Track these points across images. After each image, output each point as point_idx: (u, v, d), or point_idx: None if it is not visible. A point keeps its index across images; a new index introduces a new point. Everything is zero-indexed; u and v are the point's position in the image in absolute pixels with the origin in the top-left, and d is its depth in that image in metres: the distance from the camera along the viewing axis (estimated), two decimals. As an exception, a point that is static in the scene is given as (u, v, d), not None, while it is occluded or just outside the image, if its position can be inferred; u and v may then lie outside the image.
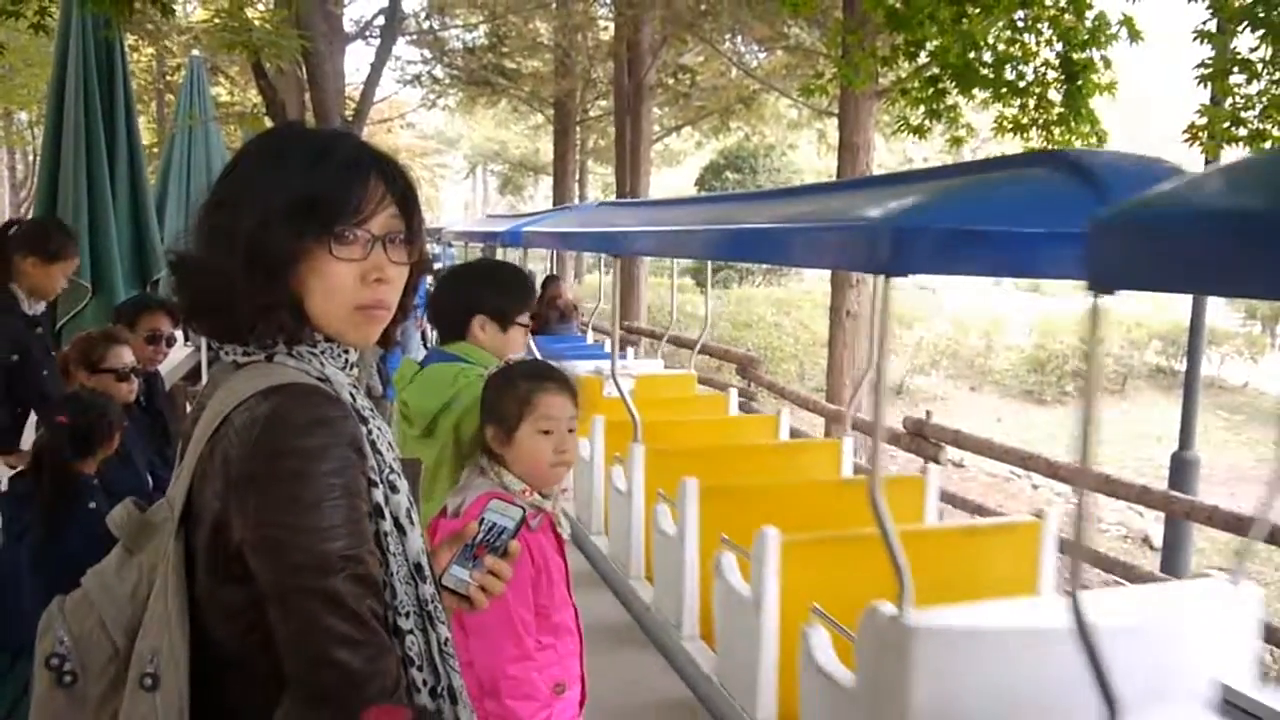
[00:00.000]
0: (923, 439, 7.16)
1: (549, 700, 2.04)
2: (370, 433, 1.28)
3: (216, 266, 1.25)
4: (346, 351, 1.33)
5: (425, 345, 10.35)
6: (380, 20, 7.46)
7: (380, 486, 1.27)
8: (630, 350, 10.29)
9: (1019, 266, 2.57)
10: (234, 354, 1.30)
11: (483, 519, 1.52)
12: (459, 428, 2.46)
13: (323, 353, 1.30)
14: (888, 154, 21.95)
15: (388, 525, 1.26)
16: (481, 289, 2.74)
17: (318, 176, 1.27)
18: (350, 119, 5.91)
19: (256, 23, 5.49)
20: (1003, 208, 2.48)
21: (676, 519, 4.29)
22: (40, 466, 2.80)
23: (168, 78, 17.50)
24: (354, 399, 1.30)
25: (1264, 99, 5.32)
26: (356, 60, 23.78)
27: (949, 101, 6.79)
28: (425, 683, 1.28)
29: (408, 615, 1.27)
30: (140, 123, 7.32)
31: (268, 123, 6.57)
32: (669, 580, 4.36)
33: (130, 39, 15.57)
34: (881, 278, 2.66)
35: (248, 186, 1.28)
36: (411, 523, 1.31)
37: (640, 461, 4.93)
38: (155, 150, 13.58)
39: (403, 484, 1.32)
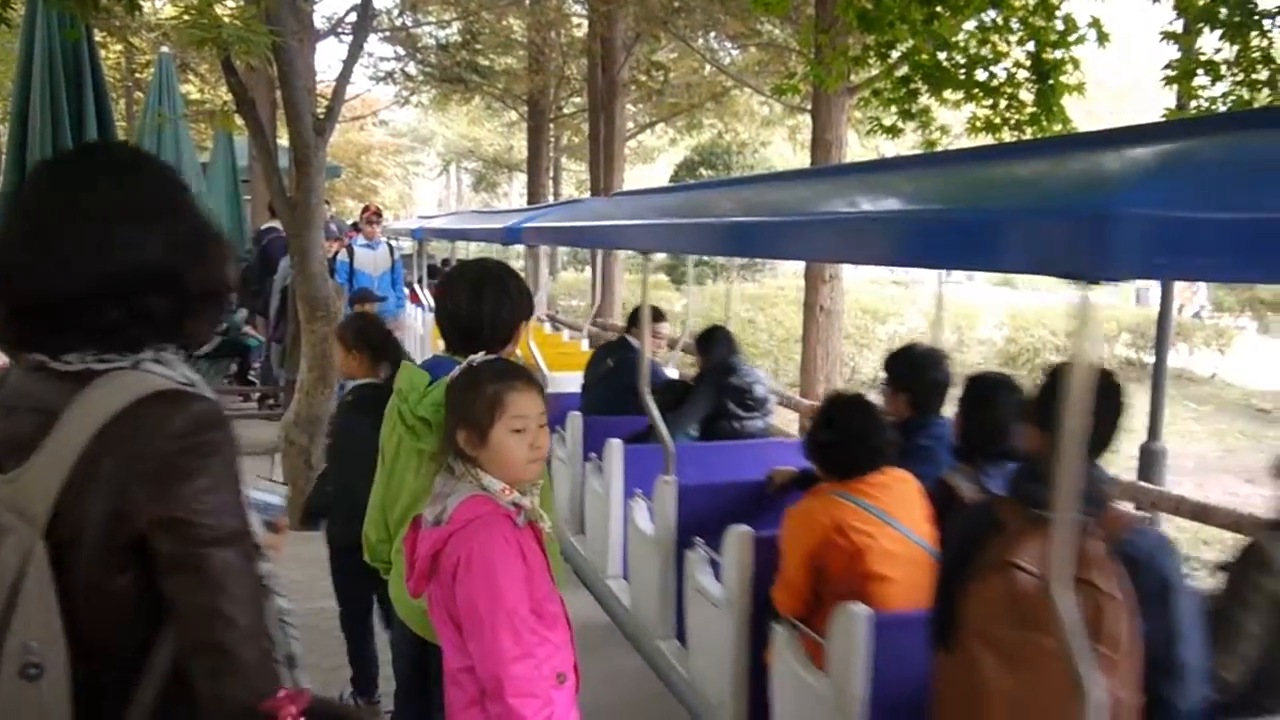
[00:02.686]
0: (896, 434, 7.18)
1: (551, 696, 2.04)
2: None
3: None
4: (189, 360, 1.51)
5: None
6: (352, 17, 7.44)
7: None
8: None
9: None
10: (79, 362, 1.38)
11: (249, 497, 1.62)
12: None
13: (181, 358, 1.47)
14: (861, 150, 22.03)
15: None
16: (521, 294, 2.62)
17: None
18: (322, 116, 5.86)
19: (226, 19, 5.45)
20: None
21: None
22: None
23: (136, 74, 17.32)
24: None
25: (1228, 100, 5.39)
26: (328, 57, 23.83)
27: (921, 103, 6.84)
28: (268, 650, 1.45)
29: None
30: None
31: (238, 121, 6.52)
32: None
33: (98, 36, 15.42)
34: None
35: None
36: (251, 508, 1.50)
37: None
38: (124, 148, 13.39)
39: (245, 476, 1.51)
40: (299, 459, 6.07)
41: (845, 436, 3.10)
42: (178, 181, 1.51)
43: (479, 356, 2.26)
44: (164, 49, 9.11)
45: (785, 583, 3.13)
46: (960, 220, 2.10)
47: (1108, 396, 2.18)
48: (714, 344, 5.27)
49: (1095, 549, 2.10)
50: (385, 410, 2.56)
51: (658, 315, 5.81)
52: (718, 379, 5.06)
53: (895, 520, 3.00)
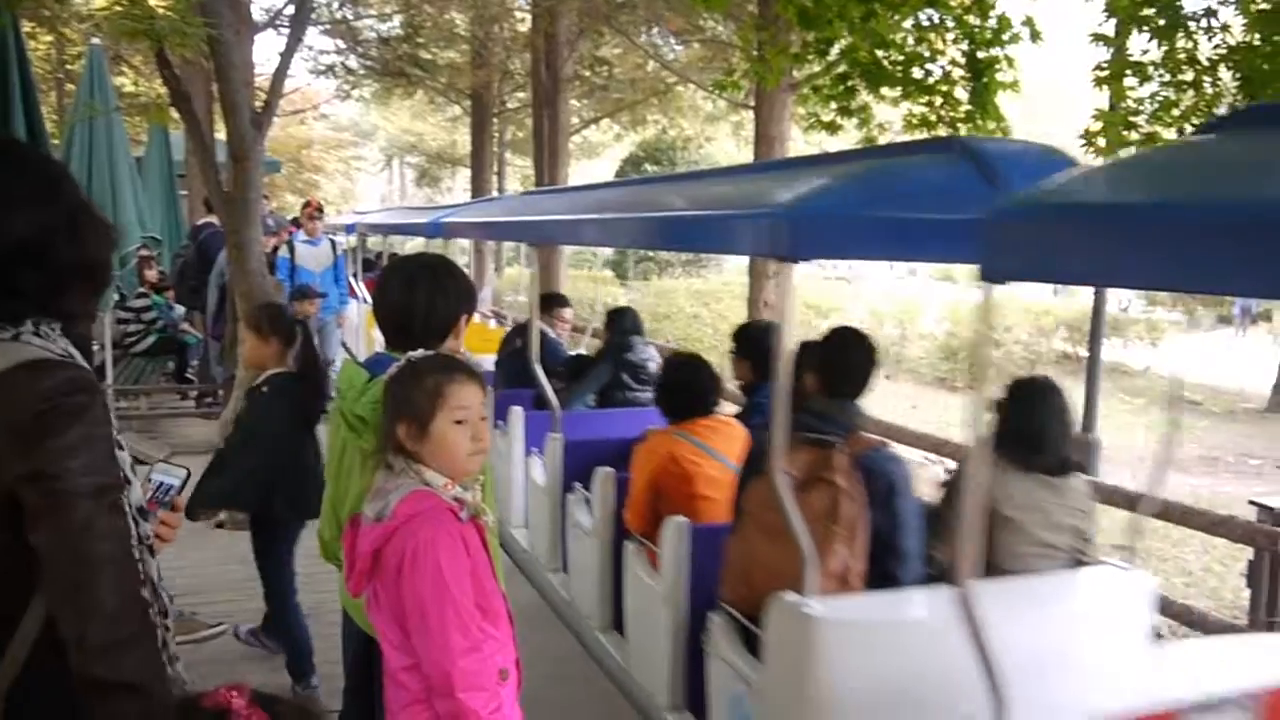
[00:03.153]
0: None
1: (498, 691, 2.03)
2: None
3: None
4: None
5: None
6: (290, 9, 7.33)
7: (114, 445, 1.57)
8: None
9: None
10: None
11: (150, 478, 1.79)
12: None
13: (59, 333, 1.57)
14: (805, 146, 22.21)
15: (123, 475, 1.59)
16: (460, 287, 2.60)
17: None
18: (260, 110, 5.78)
19: (160, 10, 5.35)
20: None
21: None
22: None
23: (68, 66, 16.90)
24: None
25: (1155, 101, 5.51)
26: (267, 50, 23.28)
27: (860, 100, 6.93)
28: (151, 603, 1.55)
29: (136, 546, 1.56)
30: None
31: (173, 114, 6.40)
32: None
33: (26, 26, 15.01)
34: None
35: None
36: (134, 474, 1.65)
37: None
38: (55, 142, 13.12)
39: (125, 442, 1.64)
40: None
41: (679, 387, 3.96)
42: (55, 169, 1.63)
43: (418, 353, 2.24)
44: (95, 40, 8.88)
45: (632, 502, 3.95)
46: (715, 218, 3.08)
47: (859, 351, 3.23)
48: (619, 323, 5.86)
49: (840, 460, 2.90)
50: (297, 399, 2.61)
51: (562, 302, 6.69)
52: (616, 355, 5.65)
53: (718, 453, 3.79)
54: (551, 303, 6.52)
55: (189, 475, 1.84)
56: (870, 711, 2.57)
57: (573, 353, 6.63)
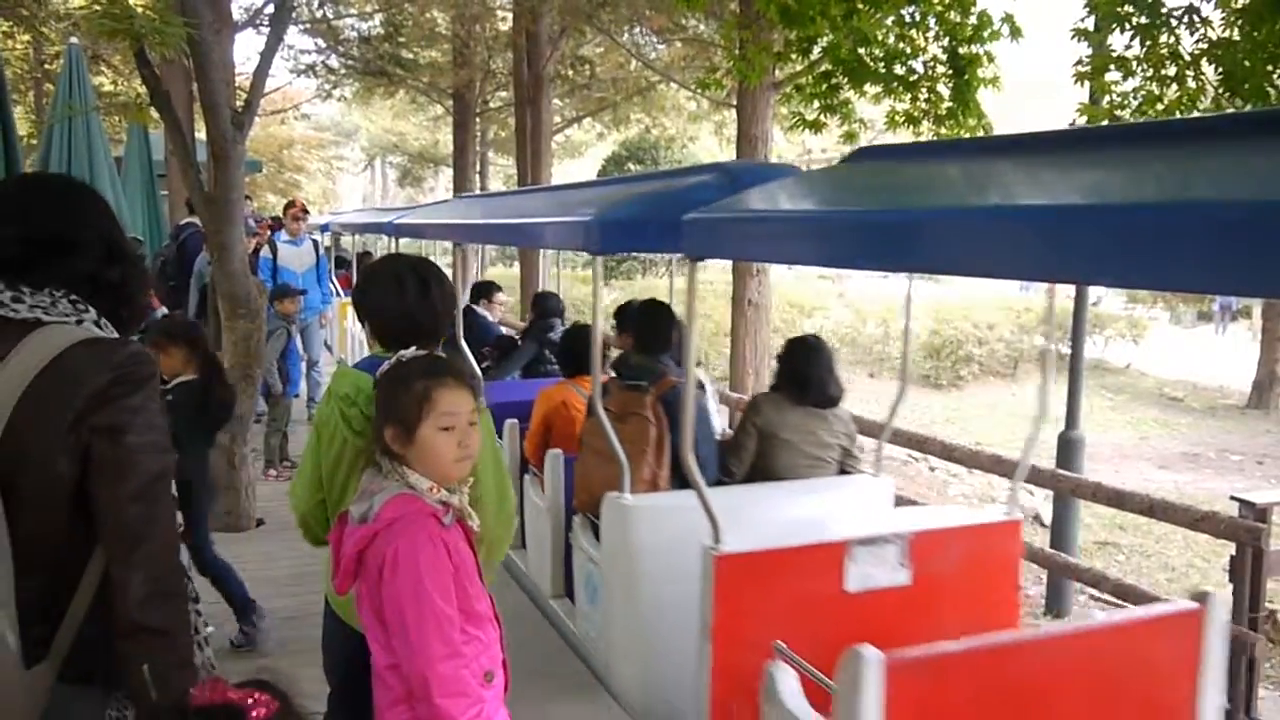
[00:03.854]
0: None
1: (480, 696, 2.02)
2: None
3: None
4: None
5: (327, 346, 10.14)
6: (270, 8, 7.29)
7: None
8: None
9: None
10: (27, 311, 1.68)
11: None
12: None
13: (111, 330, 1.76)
14: (786, 145, 22.25)
15: None
16: (443, 290, 2.58)
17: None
18: (240, 110, 5.73)
19: (139, 9, 5.29)
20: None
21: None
22: None
23: (45, 66, 16.76)
24: None
25: (1138, 95, 5.55)
26: (247, 49, 23.05)
27: (842, 97, 6.94)
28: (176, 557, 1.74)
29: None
30: (17, 113, 7.01)
31: (153, 114, 6.35)
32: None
33: (3, 25, 14.87)
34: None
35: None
36: None
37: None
38: (34, 142, 13.01)
39: None
40: (221, 458, 5.94)
41: (571, 350, 5.10)
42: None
43: (409, 352, 2.22)
44: (73, 40, 8.81)
45: (530, 436, 5.11)
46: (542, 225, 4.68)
47: (662, 316, 4.56)
48: (542, 306, 6.79)
49: (650, 399, 4.07)
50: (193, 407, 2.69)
51: (496, 288, 7.58)
52: (539, 335, 6.48)
53: None
54: (488, 289, 7.47)
55: None
56: (670, 570, 3.57)
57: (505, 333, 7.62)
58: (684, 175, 4.25)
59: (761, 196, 3.18)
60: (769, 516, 3.75)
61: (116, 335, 1.76)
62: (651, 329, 4.45)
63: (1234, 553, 5.02)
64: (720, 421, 5.96)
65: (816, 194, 3.20)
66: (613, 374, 4.43)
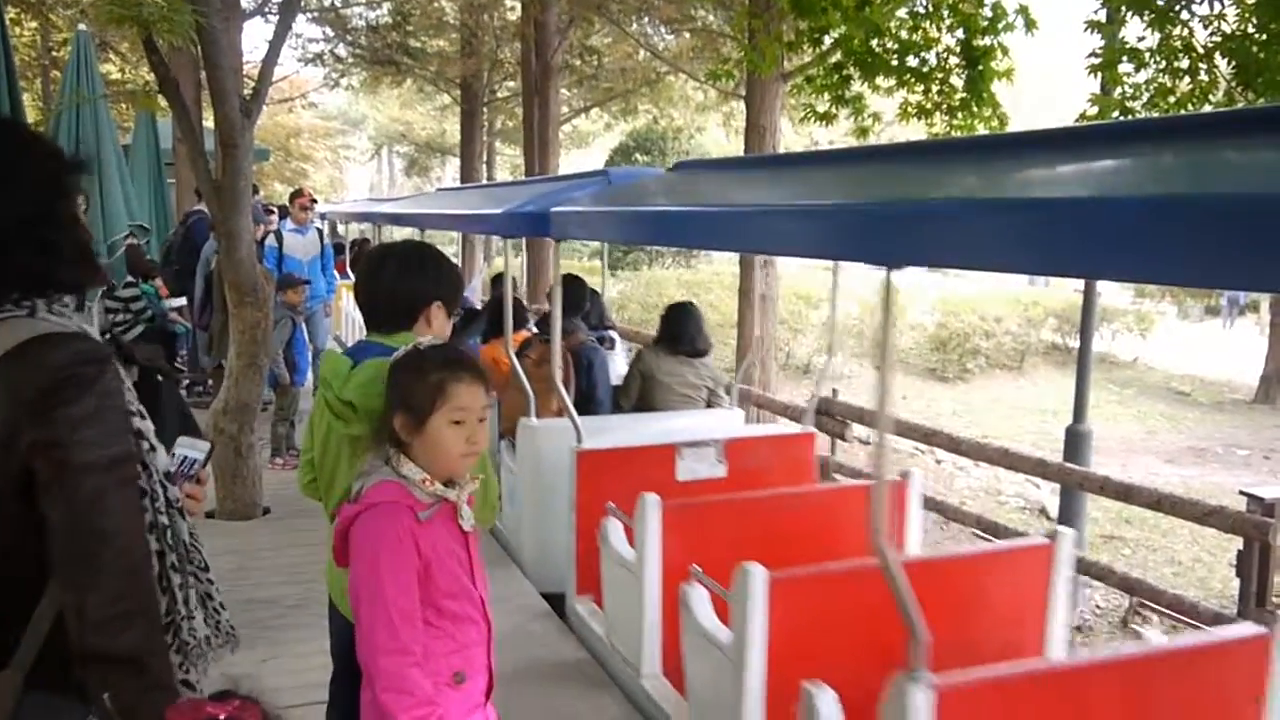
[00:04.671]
0: (829, 417, 7.30)
1: (428, 698, 1.97)
2: (119, 374, 1.61)
3: None
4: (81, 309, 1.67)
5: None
6: (279, -4, 7.28)
7: (136, 415, 1.63)
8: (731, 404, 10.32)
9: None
10: None
11: (174, 453, 1.83)
12: None
13: (74, 309, 1.63)
14: (794, 136, 22.18)
15: (147, 444, 1.65)
16: (437, 273, 2.63)
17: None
18: (248, 98, 5.73)
19: (147, -3, 5.29)
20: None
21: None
22: None
23: (53, 53, 16.75)
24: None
25: (1150, 87, 5.52)
26: (255, 38, 22.88)
27: (854, 89, 6.91)
28: (178, 563, 1.66)
29: (163, 513, 1.65)
30: (25, 100, 6.99)
31: (161, 102, 6.34)
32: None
33: (11, 12, 14.85)
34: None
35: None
36: (159, 442, 1.71)
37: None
38: (42, 129, 13.00)
39: (146, 412, 1.68)
40: (229, 447, 5.95)
41: (493, 318, 6.08)
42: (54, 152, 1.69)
43: (426, 340, 2.21)
44: (81, 26, 8.79)
45: None
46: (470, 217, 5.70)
47: (577, 287, 6.43)
48: (498, 285, 7.33)
49: (564, 352, 5.18)
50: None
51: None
52: (493, 309, 6.80)
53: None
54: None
55: (213, 448, 1.90)
56: (559, 473, 4.62)
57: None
58: (571, 179, 5.84)
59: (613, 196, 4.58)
60: (638, 433, 4.93)
61: (69, 322, 1.59)
62: (567, 297, 5.40)
63: (1241, 547, 5.01)
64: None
65: (641, 194, 4.37)
66: (535, 331, 5.82)
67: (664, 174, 4.84)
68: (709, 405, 5.59)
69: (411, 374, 2.11)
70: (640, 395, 5.56)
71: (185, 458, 1.86)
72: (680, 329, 5.61)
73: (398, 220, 9.29)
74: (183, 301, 9.00)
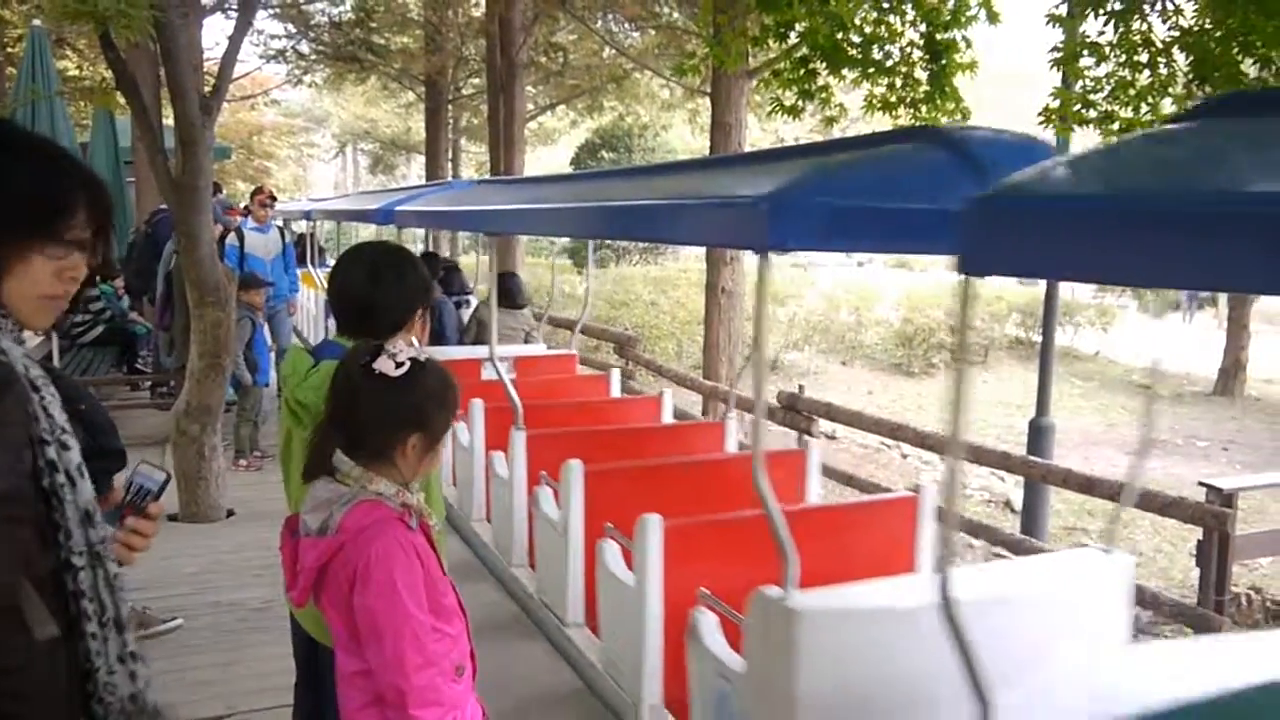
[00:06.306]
0: (796, 412, 7.33)
1: (453, 700, 1.97)
2: (42, 399, 1.46)
3: None
4: (16, 328, 1.50)
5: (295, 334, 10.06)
6: (239, -8, 7.16)
7: (52, 445, 1.46)
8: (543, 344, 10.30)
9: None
10: None
11: (130, 482, 1.69)
12: None
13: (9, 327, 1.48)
14: (760, 133, 22.26)
15: (61, 478, 1.46)
16: (420, 279, 2.57)
17: (40, 182, 1.48)
18: (208, 95, 5.65)
19: (104, -8, 5.19)
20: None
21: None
22: None
23: (8, 49, 16.46)
24: (27, 370, 1.47)
25: (1111, 81, 5.57)
26: (215, 33, 22.53)
27: (820, 82, 6.92)
28: (94, 612, 1.48)
29: (80, 554, 1.47)
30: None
31: (119, 98, 6.25)
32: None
33: (-36, 8, 14.57)
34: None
35: None
36: (81, 475, 1.50)
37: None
38: (-4, 127, 12.74)
39: (74, 442, 1.50)
40: (191, 449, 5.88)
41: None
42: None
43: (424, 353, 2.09)
44: (36, 22, 8.66)
45: None
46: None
47: (429, 263, 7.18)
48: (445, 280, 8.47)
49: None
50: None
51: None
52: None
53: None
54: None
55: (168, 479, 1.74)
56: None
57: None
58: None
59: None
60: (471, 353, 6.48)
61: None
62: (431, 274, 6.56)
63: (1201, 537, 5.08)
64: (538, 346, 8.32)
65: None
66: None
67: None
68: (526, 341, 7.93)
69: (441, 397, 2.04)
70: (477, 335, 7.77)
71: (139, 487, 1.71)
72: (506, 289, 7.68)
73: (331, 216, 11.23)
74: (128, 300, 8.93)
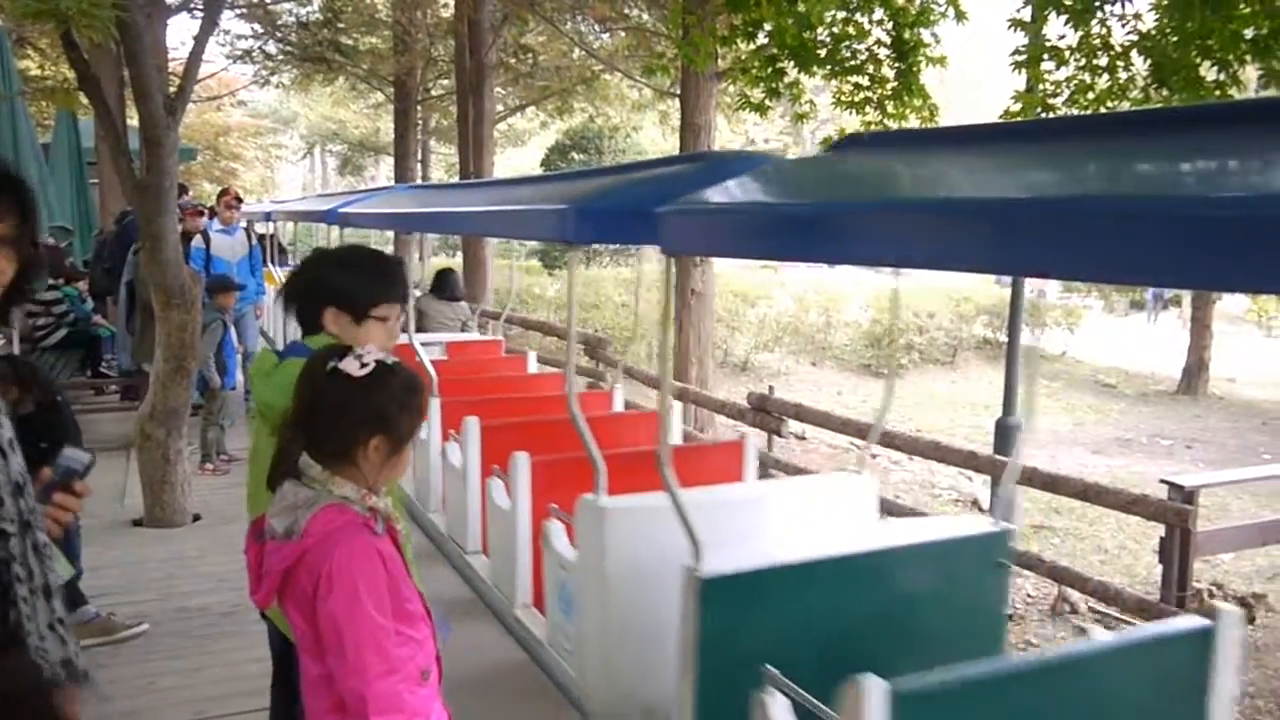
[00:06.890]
0: (766, 413, 7.36)
1: (415, 708, 1.95)
2: None
3: None
4: None
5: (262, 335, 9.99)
6: (204, -8, 7.10)
7: None
8: (477, 333, 10.31)
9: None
10: None
11: (58, 464, 1.80)
12: None
13: None
14: (730, 133, 22.32)
15: None
16: (331, 276, 2.51)
17: None
18: (173, 95, 5.60)
19: (66, -9, 5.13)
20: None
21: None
22: None
23: (-32, 49, 16.24)
24: None
25: (1071, 85, 5.64)
26: (181, 33, 22.28)
27: (789, 79, 6.96)
28: (24, 577, 1.55)
29: (11, 522, 1.55)
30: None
31: (82, 99, 6.18)
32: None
33: (-77, 7, 14.38)
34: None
35: None
36: (13, 449, 1.59)
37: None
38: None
39: (5, 420, 1.59)
40: (156, 453, 5.82)
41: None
42: None
43: (383, 354, 2.04)
44: (-3, 22, 8.54)
45: None
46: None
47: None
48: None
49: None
50: None
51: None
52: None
53: None
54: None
55: (93, 460, 1.86)
56: None
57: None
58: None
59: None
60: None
61: None
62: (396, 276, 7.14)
63: (1163, 534, 5.15)
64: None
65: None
66: None
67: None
68: (463, 330, 8.93)
69: (407, 398, 2.02)
70: (419, 324, 7.95)
71: (67, 468, 1.82)
72: (443, 283, 9.01)
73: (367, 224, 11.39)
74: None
